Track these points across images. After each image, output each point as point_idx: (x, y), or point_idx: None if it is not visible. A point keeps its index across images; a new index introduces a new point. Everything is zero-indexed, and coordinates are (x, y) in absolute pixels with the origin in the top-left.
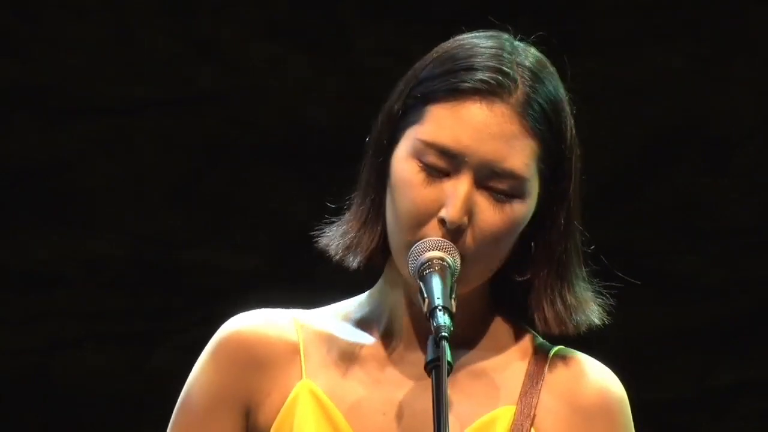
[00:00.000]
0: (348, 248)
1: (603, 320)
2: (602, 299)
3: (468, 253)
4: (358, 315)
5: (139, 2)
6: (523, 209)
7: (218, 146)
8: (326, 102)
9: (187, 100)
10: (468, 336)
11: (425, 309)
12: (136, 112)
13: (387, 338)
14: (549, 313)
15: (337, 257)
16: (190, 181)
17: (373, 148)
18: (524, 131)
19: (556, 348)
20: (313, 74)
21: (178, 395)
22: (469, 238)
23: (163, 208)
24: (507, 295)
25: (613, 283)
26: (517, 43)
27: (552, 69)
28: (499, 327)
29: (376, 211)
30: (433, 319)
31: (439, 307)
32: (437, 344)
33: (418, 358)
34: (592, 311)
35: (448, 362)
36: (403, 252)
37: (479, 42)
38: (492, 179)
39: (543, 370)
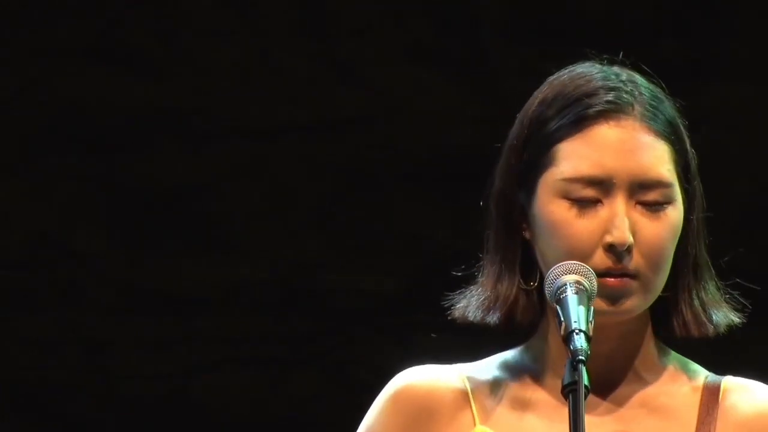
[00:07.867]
0: (486, 308)
1: (741, 318)
2: (733, 299)
3: (641, 271)
4: (520, 363)
5: (280, 24)
6: (677, 213)
7: (360, 169)
8: (470, 125)
9: (329, 123)
10: (639, 367)
11: (561, 333)
12: (278, 136)
13: (554, 384)
14: (688, 316)
15: (477, 319)
16: (332, 204)
17: (497, 207)
18: (656, 137)
19: (725, 378)
20: (456, 97)
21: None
22: (638, 257)
23: (304, 232)
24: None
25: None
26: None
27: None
28: (663, 356)
29: (509, 267)
30: (569, 343)
31: (576, 331)
32: (574, 368)
33: (590, 400)
34: (727, 310)
35: (585, 386)
36: None
37: (583, 71)
38: (642, 192)
39: (717, 399)
